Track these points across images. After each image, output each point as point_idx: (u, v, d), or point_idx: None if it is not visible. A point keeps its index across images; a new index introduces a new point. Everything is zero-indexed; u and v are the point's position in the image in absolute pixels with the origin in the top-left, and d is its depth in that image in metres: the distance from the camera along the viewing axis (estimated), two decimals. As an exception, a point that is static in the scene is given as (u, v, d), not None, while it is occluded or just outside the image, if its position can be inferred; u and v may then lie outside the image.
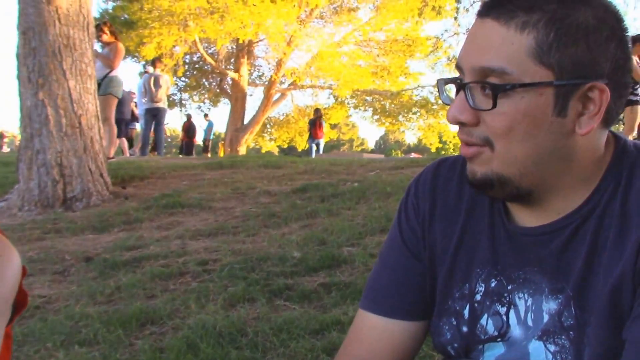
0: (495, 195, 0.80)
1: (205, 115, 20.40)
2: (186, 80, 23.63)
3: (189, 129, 16.97)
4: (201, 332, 2.27)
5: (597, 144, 0.77)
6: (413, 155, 26.58)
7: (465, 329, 0.85)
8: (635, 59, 6.61)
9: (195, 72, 23.44)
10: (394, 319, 0.90)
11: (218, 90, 23.96)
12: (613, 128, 0.81)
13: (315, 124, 15.23)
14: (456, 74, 0.79)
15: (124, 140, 10.61)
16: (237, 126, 20.80)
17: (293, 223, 4.06)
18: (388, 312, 0.90)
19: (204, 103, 25.26)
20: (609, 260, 0.74)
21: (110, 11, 18.65)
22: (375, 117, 23.07)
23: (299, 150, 24.92)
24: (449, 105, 0.79)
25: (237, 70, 20.89)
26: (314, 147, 15.00)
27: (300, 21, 19.14)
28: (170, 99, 21.32)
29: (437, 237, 0.90)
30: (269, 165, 6.87)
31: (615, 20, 0.74)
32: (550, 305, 0.78)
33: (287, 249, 3.34)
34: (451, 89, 0.81)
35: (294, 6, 17.79)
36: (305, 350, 2.12)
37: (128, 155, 10.67)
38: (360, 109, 23.64)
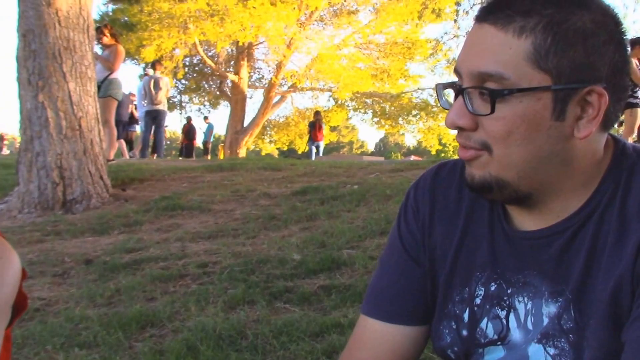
0: (493, 198, 0.80)
1: (205, 118, 20.42)
2: (186, 82, 23.64)
3: (188, 131, 16.98)
4: (201, 334, 2.27)
5: (596, 147, 0.77)
6: (413, 157, 26.59)
7: (465, 332, 0.85)
8: (634, 61, 6.62)
9: (195, 75, 23.44)
10: (395, 324, 0.90)
11: (218, 93, 23.97)
12: (613, 130, 0.81)
13: (315, 127, 15.23)
14: (455, 78, 0.79)
15: (122, 141, 10.62)
16: (237, 129, 20.80)
17: (293, 225, 4.06)
18: (389, 317, 0.90)
19: (204, 105, 25.29)
20: (608, 263, 0.74)
21: (110, 14, 18.67)
22: (375, 119, 23.07)
23: (299, 152, 24.93)
24: (448, 109, 0.79)
25: (237, 73, 20.90)
26: (314, 150, 15.01)
27: (300, 24, 19.15)
28: (170, 101, 21.32)
29: (437, 241, 0.90)
30: (269, 168, 6.88)
31: (613, 23, 0.74)
32: (550, 309, 0.78)
33: (287, 252, 3.34)
34: (450, 94, 0.82)
35: (294, 9, 17.80)
36: (305, 353, 2.12)
37: (127, 157, 10.67)
38: (360, 112, 23.65)
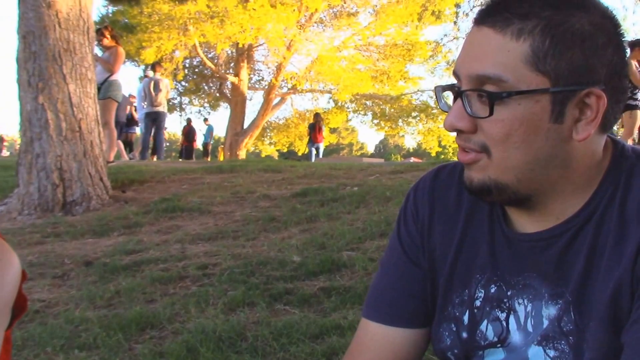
0: (493, 200, 0.80)
1: (205, 120, 20.42)
2: (186, 84, 23.65)
3: (188, 133, 16.98)
4: (201, 336, 2.27)
5: (595, 149, 0.77)
6: (413, 159, 26.60)
7: (465, 334, 0.85)
8: (634, 63, 6.63)
9: (195, 77, 23.45)
10: (395, 326, 0.90)
11: (218, 95, 23.98)
12: (613, 130, 0.81)
13: (314, 128, 15.25)
14: (454, 80, 0.79)
15: (120, 143, 10.63)
16: (236, 130, 20.80)
17: (293, 227, 4.06)
18: (389, 320, 0.90)
19: (204, 107, 25.30)
20: (607, 265, 0.74)
21: (110, 15, 18.68)
22: (375, 121, 23.08)
23: (299, 154, 24.93)
24: (447, 112, 0.79)
25: (236, 75, 20.91)
26: (314, 152, 15.02)
27: (300, 25, 19.16)
28: (170, 103, 21.32)
29: (436, 243, 0.90)
30: (269, 170, 6.88)
31: (612, 25, 0.74)
32: (549, 311, 0.78)
33: (286, 253, 3.34)
34: (449, 96, 0.82)
35: (294, 11, 17.82)
36: (305, 355, 2.12)
37: (126, 157, 10.68)
38: (359, 113, 23.66)
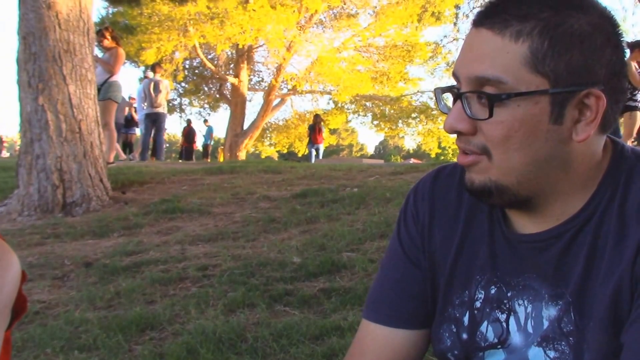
0: (493, 202, 0.80)
1: (205, 121, 20.42)
2: (186, 85, 23.66)
3: (188, 134, 16.98)
4: (201, 337, 2.27)
5: (595, 149, 0.77)
6: (412, 160, 26.59)
7: (465, 336, 0.85)
8: (634, 65, 6.63)
9: (195, 77, 23.46)
10: (396, 327, 0.90)
11: (218, 96, 23.98)
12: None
13: (314, 129, 15.25)
14: (454, 82, 0.79)
15: (117, 143, 10.63)
16: (236, 131, 20.81)
17: (293, 228, 4.06)
18: (390, 321, 0.90)
19: (204, 108, 25.30)
20: (607, 266, 0.74)
21: (110, 17, 18.69)
22: (375, 122, 23.08)
23: (299, 155, 24.93)
24: (447, 114, 0.79)
25: (236, 76, 20.91)
26: (314, 153, 15.02)
27: (300, 27, 19.17)
28: (170, 104, 21.33)
29: (436, 244, 0.90)
30: (269, 171, 6.88)
31: (610, 25, 0.74)
32: (549, 312, 0.78)
33: (286, 255, 3.34)
34: (449, 98, 0.82)
35: (294, 12, 17.83)
36: (305, 356, 2.12)
37: (123, 156, 10.67)
38: (359, 115, 23.66)
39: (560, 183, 0.76)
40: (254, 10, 16.30)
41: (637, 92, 6.86)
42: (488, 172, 0.76)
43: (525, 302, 0.80)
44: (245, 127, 21.32)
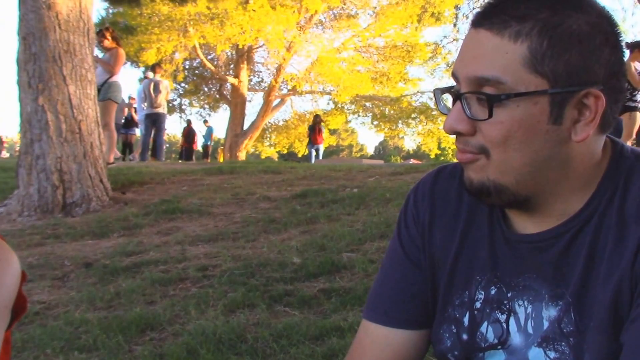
0: (492, 202, 0.80)
1: (205, 121, 20.42)
2: (186, 85, 23.67)
3: (188, 134, 16.98)
4: (201, 338, 2.27)
5: (594, 149, 0.77)
6: (412, 161, 26.59)
7: (465, 336, 0.85)
8: (633, 65, 6.63)
9: (195, 78, 23.46)
10: (396, 328, 0.90)
11: (218, 96, 23.99)
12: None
13: (314, 130, 15.26)
14: (454, 83, 0.79)
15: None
16: (236, 132, 20.81)
17: (293, 229, 4.06)
18: (390, 321, 0.90)
19: (204, 108, 25.30)
20: (607, 267, 0.74)
21: (109, 17, 18.68)
22: (375, 122, 23.09)
23: (299, 155, 24.93)
24: (446, 114, 0.79)
25: (236, 76, 20.92)
26: (314, 153, 15.03)
27: (300, 27, 19.18)
28: (170, 104, 21.33)
29: (437, 245, 0.90)
30: (269, 171, 6.88)
31: (608, 25, 0.74)
32: (550, 312, 0.78)
33: (286, 255, 3.34)
34: (448, 99, 0.82)
35: (294, 12, 17.83)
36: (305, 356, 2.12)
37: (118, 154, 10.66)
38: (359, 115, 23.66)
39: (559, 183, 0.76)
40: (253, 10, 16.31)
41: (636, 92, 6.86)
42: (486, 170, 0.76)
43: (526, 302, 0.80)
44: (245, 127, 21.33)
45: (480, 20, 0.75)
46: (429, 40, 22.53)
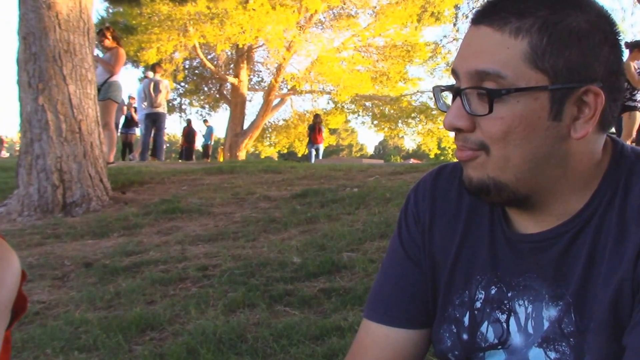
0: (492, 200, 0.80)
1: (205, 121, 20.42)
2: (186, 85, 23.67)
3: (188, 134, 16.98)
4: (201, 337, 2.27)
5: (594, 148, 0.77)
6: (412, 161, 26.58)
7: (465, 336, 0.85)
8: (633, 65, 6.64)
9: (195, 78, 23.47)
10: (396, 327, 0.90)
11: (218, 96, 23.99)
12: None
13: (314, 129, 15.26)
14: (453, 81, 0.79)
15: None
16: (236, 131, 20.81)
17: (293, 228, 4.06)
18: (390, 321, 0.90)
19: (204, 108, 25.31)
20: (608, 267, 0.74)
21: (110, 17, 18.68)
22: (375, 122, 23.09)
23: (299, 155, 24.93)
24: (445, 112, 0.79)
25: (236, 76, 20.92)
26: (314, 152, 15.03)
27: (300, 27, 19.18)
28: (170, 104, 21.33)
29: (437, 244, 0.90)
30: (269, 171, 6.88)
31: (607, 24, 0.74)
32: (550, 312, 0.78)
33: (287, 255, 3.34)
34: (448, 96, 0.82)
35: (294, 12, 17.84)
36: (306, 356, 2.12)
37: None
38: (359, 115, 23.67)
39: (559, 182, 0.76)
40: (253, 10, 16.32)
41: (636, 92, 6.87)
42: (485, 168, 0.76)
43: (526, 302, 0.80)
44: (245, 127, 21.33)
45: (480, 18, 0.75)
46: (429, 39, 22.56)
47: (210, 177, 6.61)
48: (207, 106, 25.31)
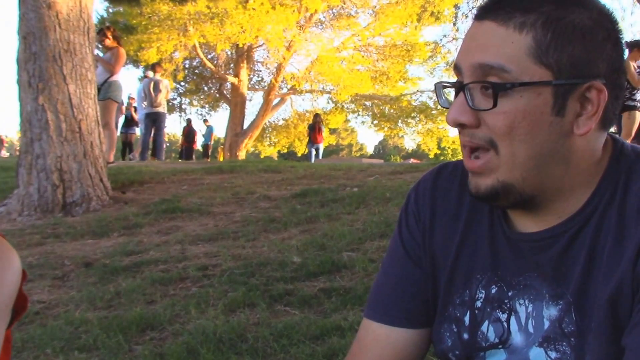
0: (499, 204, 0.80)
1: (205, 121, 20.43)
2: (186, 85, 23.67)
3: (188, 133, 16.98)
4: (201, 337, 2.27)
5: (595, 145, 0.77)
6: (412, 160, 26.57)
7: (466, 335, 0.85)
8: (633, 64, 6.63)
9: (195, 77, 23.47)
10: (397, 327, 0.90)
11: (218, 95, 23.99)
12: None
13: (314, 129, 15.26)
14: (455, 79, 0.79)
15: None
16: (236, 131, 20.81)
17: (293, 228, 4.06)
18: (391, 320, 0.90)
19: (204, 108, 25.31)
20: (607, 266, 0.74)
21: (110, 16, 18.67)
22: (374, 122, 23.09)
23: (299, 155, 24.93)
24: (447, 108, 0.79)
25: (236, 75, 20.92)
26: (313, 152, 15.03)
27: (300, 26, 19.18)
28: (170, 103, 21.33)
29: (437, 243, 0.90)
30: (269, 170, 6.88)
31: (609, 22, 0.75)
32: (550, 312, 0.78)
33: (287, 254, 3.34)
34: (450, 92, 0.82)
35: (294, 11, 17.83)
36: (306, 356, 2.12)
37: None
38: (359, 114, 23.66)
39: (561, 180, 0.76)
40: (253, 9, 16.32)
41: (635, 91, 6.87)
42: (496, 171, 0.76)
43: (526, 301, 0.80)
44: (245, 126, 21.33)
45: (484, 13, 0.76)
46: (429, 39, 22.54)
47: (210, 176, 6.61)
48: (207, 106, 25.32)
